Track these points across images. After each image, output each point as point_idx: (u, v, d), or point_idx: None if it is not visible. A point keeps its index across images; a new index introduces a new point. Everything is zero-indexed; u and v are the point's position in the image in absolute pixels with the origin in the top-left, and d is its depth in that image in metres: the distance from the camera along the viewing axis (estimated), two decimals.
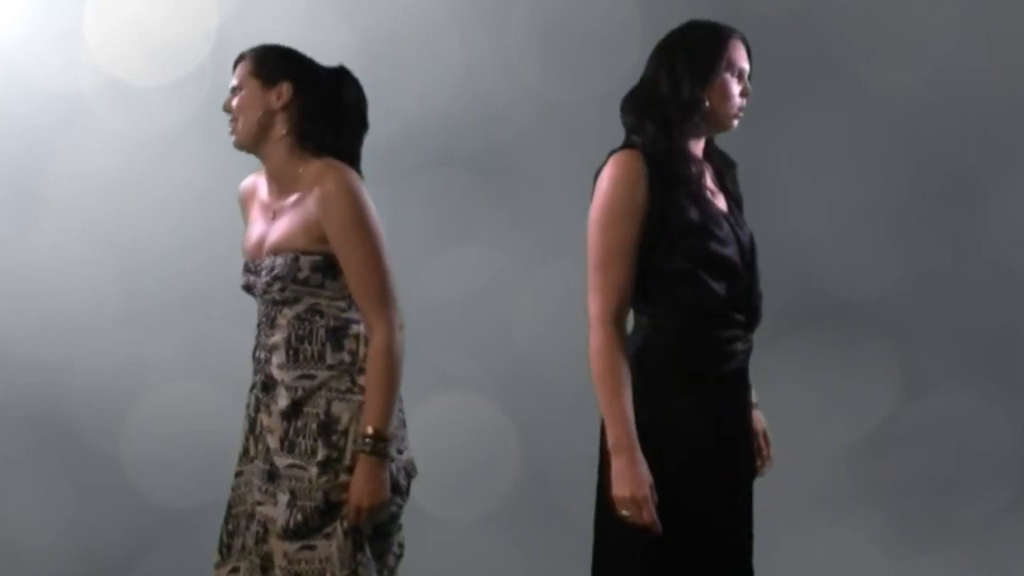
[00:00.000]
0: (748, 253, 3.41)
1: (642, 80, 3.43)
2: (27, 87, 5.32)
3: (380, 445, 3.37)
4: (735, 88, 3.39)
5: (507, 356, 5.33)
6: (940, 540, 5.26)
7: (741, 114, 3.43)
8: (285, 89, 3.46)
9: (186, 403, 5.28)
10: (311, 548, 3.40)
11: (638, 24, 5.21)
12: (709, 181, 3.42)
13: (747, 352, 3.42)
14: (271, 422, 3.46)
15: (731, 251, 3.36)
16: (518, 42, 5.35)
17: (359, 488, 3.37)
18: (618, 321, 3.32)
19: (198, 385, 5.26)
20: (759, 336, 3.47)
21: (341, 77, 3.52)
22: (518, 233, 5.36)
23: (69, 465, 5.29)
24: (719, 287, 3.33)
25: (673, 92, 3.35)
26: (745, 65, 3.42)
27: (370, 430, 3.37)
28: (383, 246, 3.40)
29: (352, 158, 3.48)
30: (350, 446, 3.40)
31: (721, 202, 3.43)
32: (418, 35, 5.31)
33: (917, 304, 5.34)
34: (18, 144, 5.32)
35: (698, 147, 3.43)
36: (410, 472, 3.52)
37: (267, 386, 3.47)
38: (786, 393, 5.04)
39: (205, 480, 5.06)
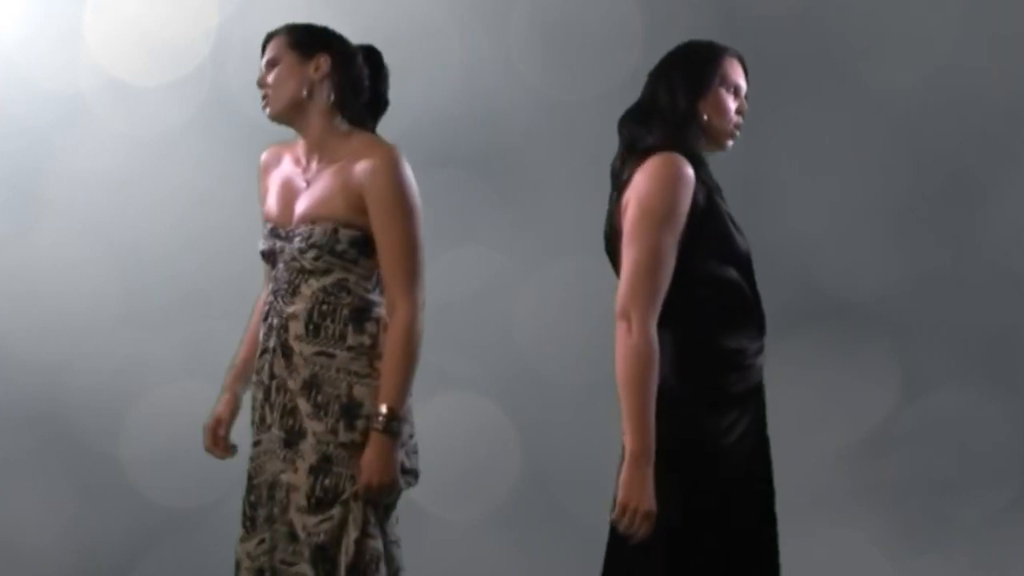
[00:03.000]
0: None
1: (640, 99, 3.42)
2: (27, 87, 5.32)
3: (393, 424, 3.38)
4: (731, 103, 3.39)
5: (507, 356, 5.33)
6: (940, 540, 5.26)
7: (737, 132, 3.42)
8: (323, 61, 3.49)
9: (186, 403, 5.26)
10: (329, 519, 3.41)
11: (638, 24, 5.21)
12: None
13: (763, 363, 3.40)
14: (295, 388, 3.45)
15: (750, 261, 3.37)
16: (518, 42, 5.35)
17: (370, 465, 3.38)
18: (654, 327, 3.25)
19: (198, 385, 5.22)
20: None
21: (372, 55, 3.56)
22: (518, 233, 5.36)
23: (69, 465, 5.29)
24: (749, 289, 3.33)
25: (671, 105, 3.35)
26: (741, 82, 3.41)
27: (384, 408, 3.38)
28: (419, 227, 3.45)
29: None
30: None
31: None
32: (418, 35, 5.31)
33: (917, 304, 5.35)
34: (18, 144, 5.32)
35: None
36: (412, 454, 3.52)
37: (286, 354, 3.47)
38: (786, 393, 5.03)
39: (205, 480, 5.06)
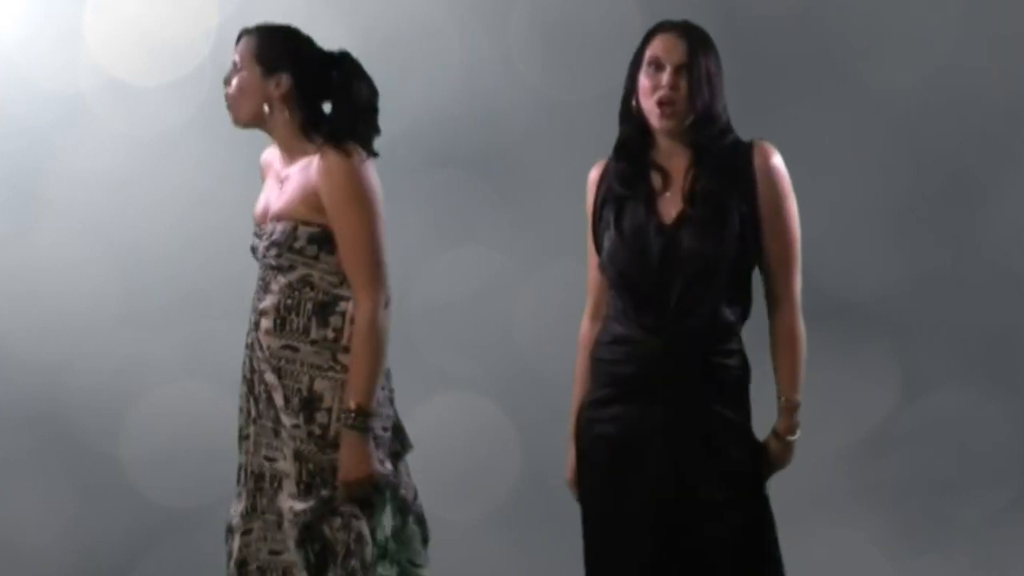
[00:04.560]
0: (673, 258, 3.35)
1: None
2: (27, 87, 5.32)
3: (362, 420, 3.41)
4: (647, 83, 3.34)
5: (507, 356, 5.33)
6: (940, 540, 5.26)
7: (668, 108, 3.32)
8: (284, 80, 3.51)
9: (186, 403, 5.28)
10: (313, 505, 3.45)
11: (638, 24, 5.16)
12: (660, 186, 3.39)
13: (661, 359, 3.37)
14: (271, 381, 3.49)
15: (633, 256, 3.36)
16: (518, 42, 5.35)
17: (344, 463, 3.43)
18: (591, 316, 3.53)
19: (198, 385, 5.26)
20: (760, 336, 3.47)
21: (343, 65, 3.55)
22: (518, 233, 5.36)
23: (69, 465, 5.29)
24: (621, 287, 3.40)
25: (623, 106, 3.44)
26: (659, 53, 3.35)
27: (352, 405, 3.42)
28: (378, 221, 3.43)
29: (362, 140, 3.50)
30: (333, 423, 3.45)
31: (668, 206, 3.38)
32: (418, 35, 5.31)
33: (917, 304, 5.34)
34: (18, 144, 5.32)
35: (676, 149, 3.39)
36: (395, 450, 3.55)
37: (260, 349, 3.51)
38: None
39: (205, 480, 5.06)
